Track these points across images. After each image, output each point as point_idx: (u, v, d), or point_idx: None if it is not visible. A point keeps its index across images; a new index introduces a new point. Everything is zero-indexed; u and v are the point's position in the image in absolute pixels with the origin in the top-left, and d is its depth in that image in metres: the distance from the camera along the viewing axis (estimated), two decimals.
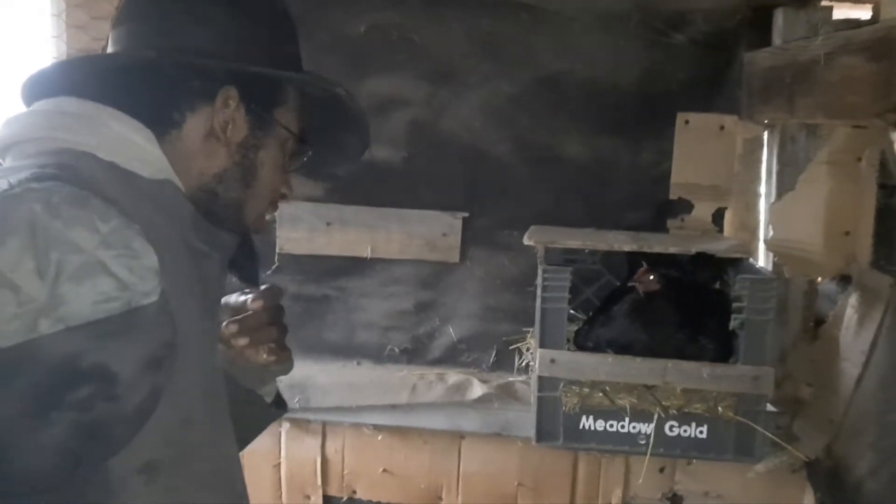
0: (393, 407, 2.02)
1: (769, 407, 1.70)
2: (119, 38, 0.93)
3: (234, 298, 1.10)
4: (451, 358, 2.12)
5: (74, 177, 0.75)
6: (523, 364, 2.05)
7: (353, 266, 2.12)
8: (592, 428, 1.72)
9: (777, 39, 1.83)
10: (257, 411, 1.17)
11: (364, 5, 2.02)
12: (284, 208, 2.07)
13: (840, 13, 1.80)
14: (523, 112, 2.03)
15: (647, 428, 1.70)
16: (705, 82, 1.98)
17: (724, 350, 1.71)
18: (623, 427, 1.71)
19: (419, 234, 2.09)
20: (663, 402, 1.69)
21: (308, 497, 2.09)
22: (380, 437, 2.04)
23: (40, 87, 0.90)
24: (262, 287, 1.09)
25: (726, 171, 1.99)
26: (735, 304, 1.69)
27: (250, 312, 1.07)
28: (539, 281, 1.72)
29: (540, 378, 1.71)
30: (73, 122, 0.86)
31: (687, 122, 1.99)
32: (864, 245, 1.73)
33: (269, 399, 1.18)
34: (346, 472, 2.08)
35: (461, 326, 2.12)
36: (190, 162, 0.91)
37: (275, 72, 0.93)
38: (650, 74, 1.99)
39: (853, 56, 1.42)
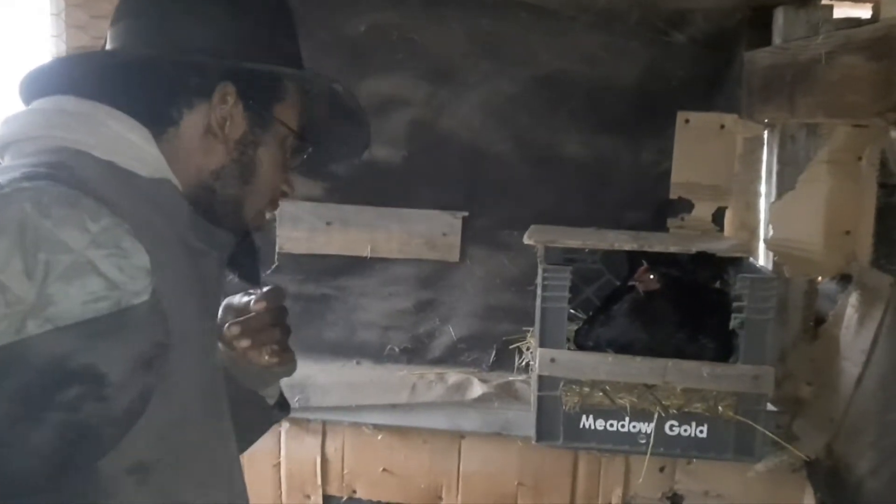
0: (393, 406, 2.02)
1: (769, 406, 1.70)
2: (117, 34, 0.93)
3: (237, 299, 1.10)
4: (451, 357, 2.12)
5: (68, 176, 0.75)
6: (523, 363, 2.05)
7: (352, 265, 2.12)
8: (592, 427, 1.72)
9: (777, 38, 1.83)
10: (259, 413, 1.17)
11: (364, 5, 2.02)
12: (284, 207, 2.07)
13: (840, 12, 1.79)
14: (523, 111, 2.03)
15: (648, 427, 1.70)
16: (705, 81, 1.98)
17: (724, 349, 1.71)
18: (623, 426, 1.71)
19: (419, 233, 2.08)
20: (663, 402, 1.69)
21: (308, 496, 2.09)
22: (380, 437, 2.04)
23: (39, 85, 0.90)
24: (266, 288, 1.08)
25: (726, 171, 1.99)
26: (735, 304, 1.69)
27: (253, 314, 1.07)
28: (539, 280, 1.72)
29: (540, 377, 1.71)
30: (71, 121, 0.85)
31: (687, 121, 1.99)
32: (865, 244, 1.73)
33: (271, 401, 1.18)
34: (345, 471, 2.08)
35: (461, 326, 2.12)
36: (188, 159, 0.90)
37: (272, 67, 0.93)
38: (650, 73, 1.99)
39: (853, 55, 1.42)
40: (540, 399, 1.73)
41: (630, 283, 1.77)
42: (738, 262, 1.78)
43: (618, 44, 1.98)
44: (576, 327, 1.83)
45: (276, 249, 2.11)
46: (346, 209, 2.10)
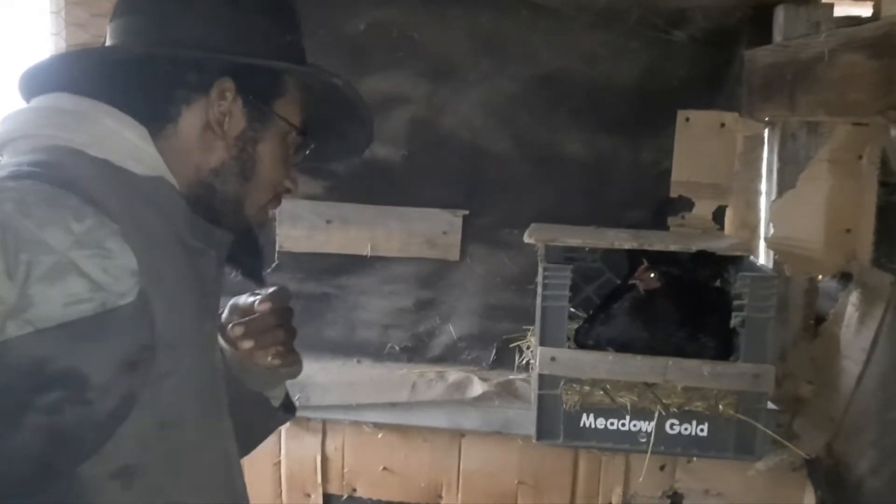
0: (393, 405, 2.02)
1: (770, 405, 1.70)
2: (116, 31, 0.92)
3: (243, 299, 1.09)
4: (451, 356, 2.12)
5: (55, 175, 0.74)
6: (523, 362, 2.05)
7: (353, 264, 2.12)
8: (593, 426, 1.72)
9: (778, 37, 1.83)
10: (264, 414, 1.15)
11: (364, 3, 2.01)
12: (284, 206, 2.04)
13: (841, 10, 1.79)
14: (523, 110, 2.03)
15: (648, 426, 1.70)
16: (706, 80, 1.98)
17: (724, 348, 1.71)
18: (624, 425, 1.71)
19: (419, 231, 2.08)
20: (664, 400, 1.69)
21: (308, 495, 2.09)
22: (380, 436, 2.04)
23: (37, 82, 0.90)
24: (271, 289, 1.07)
25: (727, 169, 1.99)
26: (736, 302, 1.69)
27: (257, 315, 1.06)
28: (539, 279, 1.72)
29: (540, 376, 1.71)
30: (67, 120, 0.85)
31: (687, 119, 1.99)
32: (865, 243, 1.72)
33: (276, 402, 1.16)
34: (346, 470, 2.08)
35: (461, 324, 2.11)
36: (187, 157, 0.90)
37: (269, 62, 0.92)
38: (650, 72, 1.98)
39: (854, 53, 1.42)
40: (540, 398, 1.73)
41: (630, 281, 1.77)
42: (738, 261, 1.78)
43: (618, 42, 1.98)
44: (576, 326, 1.83)
45: (276, 248, 2.11)
46: (346, 207, 2.09)
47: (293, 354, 1.11)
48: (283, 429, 2.04)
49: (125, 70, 0.89)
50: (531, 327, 1.99)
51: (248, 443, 1.14)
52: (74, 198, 0.72)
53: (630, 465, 1.97)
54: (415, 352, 2.13)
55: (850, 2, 1.84)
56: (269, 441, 2.03)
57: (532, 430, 1.75)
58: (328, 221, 2.10)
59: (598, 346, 1.74)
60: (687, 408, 1.69)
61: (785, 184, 1.85)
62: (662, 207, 2.03)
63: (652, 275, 1.73)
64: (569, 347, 1.75)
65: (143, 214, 0.82)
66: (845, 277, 1.81)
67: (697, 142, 1.98)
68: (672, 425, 1.70)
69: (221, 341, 1.08)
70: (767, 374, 1.65)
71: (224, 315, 1.08)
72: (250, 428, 1.11)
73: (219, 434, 0.95)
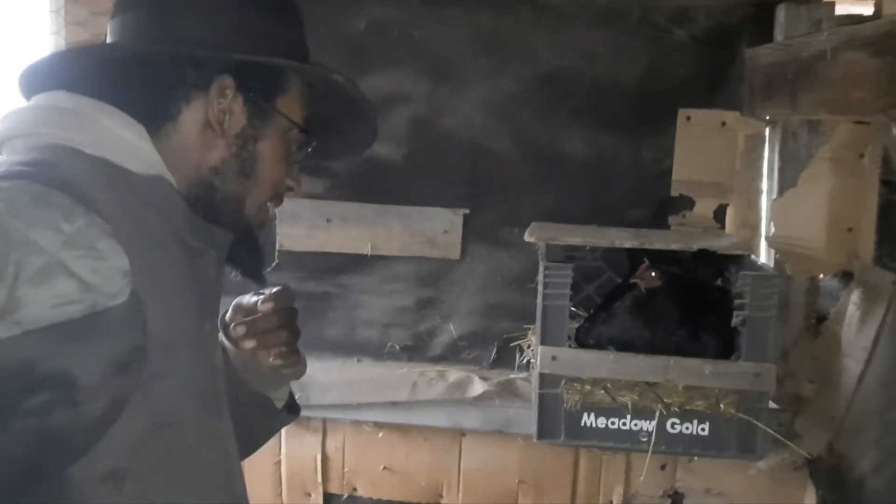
0: (393, 404, 2.02)
1: (771, 404, 1.69)
2: (116, 28, 0.92)
3: (246, 299, 1.07)
4: (451, 355, 2.12)
5: (48, 174, 0.73)
6: (524, 361, 2.05)
7: (353, 263, 2.12)
8: (594, 425, 1.72)
9: (779, 35, 1.83)
10: (266, 415, 1.14)
11: (364, 2, 2.01)
12: (284, 205, 2.02)
13: (842, 9, 1.79)
14: (524, 109, 2.03)
15: (649, 425, 1.70)
16: (707, 79, 1.98)
17: (725, 347, 1.71)
18: (625, 424, 1.71)
19: (420, 230, 2.08)
20: (665, 400, 1.69)
21: (308, 494, 2.09)
22: (380, 435, 2.04)
23: (37, 80, 0.89)
24: (275, 289, 1.06)
25: (728, 168, 1.99)
26: (737, 301, 1.69)
27: (260, 314, 1.05)
28: (540, 278, 1.71)
29: (541, 375, 1.71)
30: (64, 118, 0.84)
31: (688, 118, 1.98)
32: (867, 242, 1.72)
33: (279, 403, 1.15)
34: (346, 469, 2.08)
35: (462, 323, 2.11)
36: (187, 155, 0.89)
37: (269, 59, 0.91)
38: (651, 71, 1.98)
39: (856, 51, 1.42)
40: (541, 397, 1.72)
41: (631, 280, 1.76)
42: (739, 260, 1.78)
43: (619, 41, 1.98)
44: (577, 325, 1.83)
45: (277, 247, 2.10)
46: (346, 206, 2.09)
47: (296, 355, 1.09)
48: (284, 428, 2.03)
49: (124, 68, 0.88)
50: (532, 326, 1.98)
51: (251, 444, 1.13)
52: (65, 197, 0.71)
53: (631, 465, 1.97)
54: (415, 351, 2.13)
55: (851, 0, 1.83)
56: (270, 440, 2.04)
57: (533, 430, 1.75)
58: (328, 220, 2.09)
59: (599, 345, 1.74)
60: (688, 407, 1.69)
61: (786, 182, 1.84)
62: (663, 206, 2.02)
63: (653, 274, 1.72)
64: (570, 346, 1.75)
65: (140, 214, 0.81)
66: (847, 276, 1.81)
67: (698, 141, 1.98)
68: (673, 424, 1.70)
69: (225, 341, 1.07)
70: (769, 374, 1.64)
71: (228, 314, 1.08)
72: (252, 429, 1.10)
73: (218, 435, 0.94)
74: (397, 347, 2.13)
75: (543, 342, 1.70)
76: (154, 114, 0.87)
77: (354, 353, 2.14)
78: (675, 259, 1.76)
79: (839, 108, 1.50)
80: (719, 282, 1.86)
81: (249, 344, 1.05)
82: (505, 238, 2.06)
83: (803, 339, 1.87)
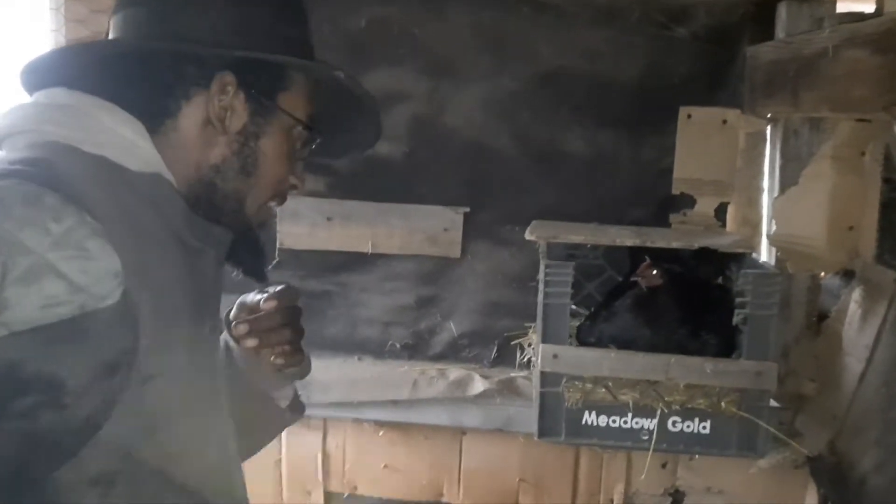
0: (394, 403, 2.01)
1: (772, 402, 1.69)
2: (117, 25, 0.91)
3: (250, 297, 1.07)
4: (452, 353, 2.12)
5: (42, 173, 0.73)
6: (525, 359, 2.04)
7: (354, 261, 2.11)
8: (595, 423, 1.71)
9: (780, 33, 1.82)
10: (270, 415, 1.14)
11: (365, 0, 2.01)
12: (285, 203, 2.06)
13: (843, 6, 1.79)
14: (525, 107, 2.02)
15: (650, 423, 1.70)
16: (708, 76, 1.97)
17: (727, 345, 1.71)
18: (626, 423, 1.71)
19: (420, 229, 2.08)
20: (666, 398, 1.69)
21: (309, 493, 2.09)
22: (381, 433, 2.04)
23: (38, 76, 0.88)
24: (279, 287, 1.06)
25: (729, 166, 1.98)
26: (738, 300, 1.68)
27: (263, 313, 1.05)
28: (541, 276, 1.71)
29: (542, 373, 1.71)
30: (62, 115, 0.84)
31: (689, 116, 1.98)
32: (868, 240, 1.72)
33: (284, 403, 1.14)
34: (347, 467, 2.07)
35: (462, 322, 2.11)
36: (187, 153, 0.88)
37: (270, 56, 0.90)
38: (652, 69, 1.98)
39: (858, 49, 1.41)
40: (542, 395, 1.72)
41: (632, 278, 1.76)
42: (740, 258, 1.77)
43: (620, 39, 1.97)
44: (578, 323, 1.83)
45: (277, 245, 2.10)
46: (347, 205, 2.09)
47: (299, 354, 1.09)
48: None
49: (125, 64, 0.88)
50: (533, 324, 1.98)
51: (254, 443, 1.13)
52: (56, 197, 0.70)
53: (632, 463, 1.97)
54: (416, 349, 2.13)
55: None
56: None
57: (534, 428, 1.74)
58: (329, 218, 2.09)
59: (600, 344, 1.74)
60: (689, 405, 1.68)
61: (787, 180, 1.84)
62: (664, 204, 2.02)
63: (654, 272, 1.72)
64: (571, 345, 1.74)
65: (137, 212, 0.80)
66: (848, 274, 1.81)
67: (699, 139, 1.98)
68: (674, 423, 1.69)
69: (229, 339, 1.07)
70: (770, 372, 1.64)
71: (232, 312, 1.07)
72: (256, 428, 1.10)
73: (217, 435, 0.93)
74: (398, 346, 2.13)
75: (544, 340, 1.70)
76: (154, 111, 0.87)
77: (355, 351, 2.14)
78: (676, 257, 1.76)
79: (841, 106, 1.50)
80: (720, 280, 1.85)
81: (251, 342, 1.05)
82: (506, 236, 2.06)
83: (805, 338, 1.87)
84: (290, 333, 1.06)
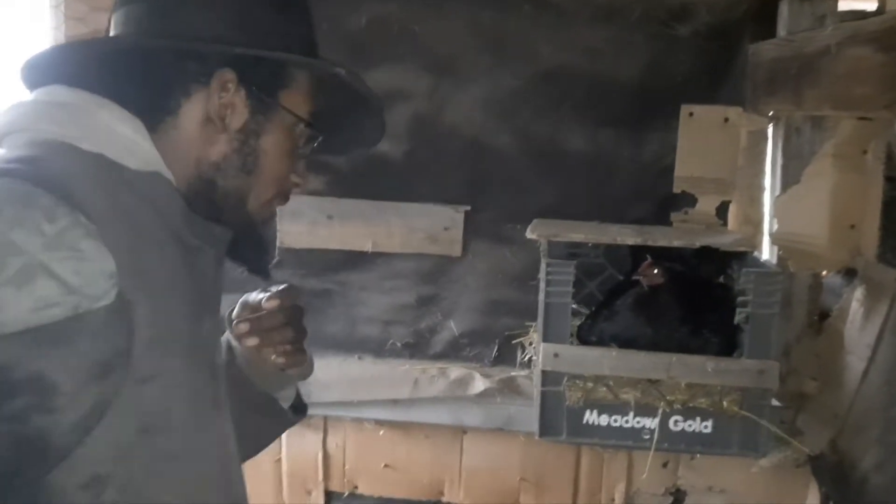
0: (394, 402, 2.01)
1: (774, 401, 1.69)
2: (118, 21, 0.90)
3: (253, 296, 1.06)
4: (452, 352, 2.11)
5: (37, 172, 0.72)
6: (526, 358, 2.04)
7: (354, 260, 2.11)
8: (596, 422, 1.71)
9: (782, 31, 1.82)
10: (271, 416, 1.13)
11: None
12: None
13: (845, 4, 1.78)
14: (525, 105, 2.02)
15: (652, 422, 1.69)
16: (709, 74, 1.97)
17: (728, 344, 1.70)
18: (627, 422, 1.70)
19: (421, 227, 2.07)
20: (668, 397, 1.68)
21: (309, 492, 2.08)
22: (381, 432, 2.04)
23: (38, 73, 0.88)
24: (281, 286, 1.05)
25: (730, 165, 1.98)
26: (740, 298, 1.68)
27: (264, 312, 1.04)
28: (542, 275, 1.71)
29: (543, 372, 1.70)
30: (60, 113, 0.83)
31: (691, 114, 1.97)
32: (870, 238, 1.71)
33: (286, 403, 1.14)
34: (347, 467, 2.07)
35: (463, 321, 2.10)
36: (187, 150, 0.88)
37: (270, 53, 0.89)
38: (653, 67, 1.97)
39: (860, 47, 1.41)
40: (543, 394, 1.72)
41: (634, 277, 1.76)
42: (742, 257, 1.77)
43: (621, 37, 1.97)
44: (579, 322, 1.82)
45: (277, 244, 2.10)
46: (347, 203, 2.08)
47: (301, 354, 1.08)
48: None
49: (124, 61, 0.87)
50: (533, 323, 1.98)
51: (256, 444, 1.12)
52: (49, 197, 0.69)
53: (633, 462, 1.96)
54: (416, 348, 2.12)
55: None
56: None
57: (534, 427, 1.74)
58: (329, 217, 2.09)
59: (601, 343, 1.73)
60: (691, 404, 1.68)
61: (789, 179, 1.84)
62: (665, 203, 2.02)
63: (655, 271, 1.72)
64: (572, 343, 1.74)
65: (135, 211, 0.80)
66: (850, 273, 1.80)
67: (701, 137, 1.97)
68: (676, 422, 1.69)
69: (231, 339, 1.06)
70: (772, 371, 1.64)
71: (234, 311, 1.07)
72: (258, 429, 1.09)
73: (216, 435, 0.92)
74: (398, 345, 2.13)
75: (545, 339, 1.70)
76: (153, 108, 0.86)
77: (355, 350, 2.13)
78: (677, 256, 1.76)
79: (843, 104, 1.49)
80: (722, 279, 1.85)
81: (252, 341, 1.04)
82: (506, 235, 2.06)
83: (806, 337, 1.86)
84: (292, 333, 1.05)
